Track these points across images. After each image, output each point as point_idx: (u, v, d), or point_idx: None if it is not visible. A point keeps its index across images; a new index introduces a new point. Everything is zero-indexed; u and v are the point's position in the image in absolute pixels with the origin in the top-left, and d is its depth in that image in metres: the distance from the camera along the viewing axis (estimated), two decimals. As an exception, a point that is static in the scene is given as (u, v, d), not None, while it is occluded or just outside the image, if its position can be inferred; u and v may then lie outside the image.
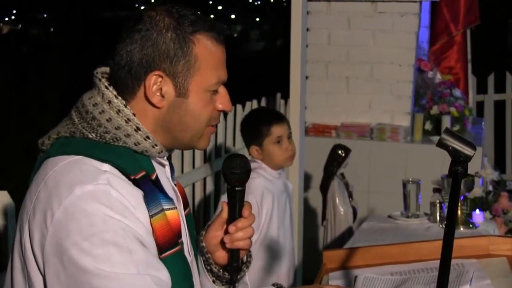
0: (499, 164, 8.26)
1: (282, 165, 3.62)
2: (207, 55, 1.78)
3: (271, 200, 3.51)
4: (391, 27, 5.82)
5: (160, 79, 1.74)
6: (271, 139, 3.49)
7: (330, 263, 2.18)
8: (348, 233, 4.38)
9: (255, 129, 3.53)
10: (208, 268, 1.98)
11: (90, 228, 1.60)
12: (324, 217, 4.51)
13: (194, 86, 1.77)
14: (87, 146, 1.72)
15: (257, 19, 40.61)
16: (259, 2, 46.03)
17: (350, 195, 4.53)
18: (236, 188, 1.90)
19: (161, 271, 1.68)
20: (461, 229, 3.61)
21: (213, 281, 1.98)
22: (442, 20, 6.62)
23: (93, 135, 1.73)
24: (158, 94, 1.75)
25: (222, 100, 1.83)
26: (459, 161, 1.56)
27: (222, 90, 1.83)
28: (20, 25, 38.33)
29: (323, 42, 5.93)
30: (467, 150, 1.58)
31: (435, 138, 5.75)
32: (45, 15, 33.98)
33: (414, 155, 5.72)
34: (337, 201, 4.41)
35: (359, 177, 5.30)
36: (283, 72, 4.92)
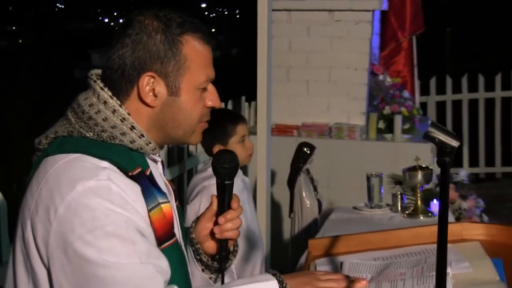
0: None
1: (243, 163, 3.54)
2: (196, 54, 1.74)
3: (250, 200, 3.48)
4: (346, 34, 5.83)
5: (152, 79, 1.70)
6: (236, 138, 3.41)
7: (315, 250, 2.14)
8: (314, 224, 4.37)
9: (221, 128, 3.43)
10: (198, 257, 1.95)
11: (93, 221, 1.55)
12: (291, 210, 4.47)
13: (185, 85, 1.73)
14: (85, 145, 1.67)
15: (213, 30, 40.69)
16: (214, 15, 46.17)
17: (315, 189, 4.51)
18: (226, 182, 1.89)
19: (162, 260, 1.64)
20: (421, 217, 3.61)
21: (202, 270, 1.96)
22: (390, 28, 6.65)
23: (91, 134, 1.68)
24: (151, 94, 1.71)
25: (211, 97, 1.80)
26: (445, 152, 1.52)
27: (211, 88, 1.80)
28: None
29: (284, 48, 5.90)
30: (453, 142, 1.54)
31: (388, 136, 5.81)
32: (13, 28, 33.55)
33: (369, 151, 5.72)
34: (304, 194, 4.39)
35: (319, 172, 5.27)
36: (244, 77, 4.90)
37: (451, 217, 3.84)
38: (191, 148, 5.14)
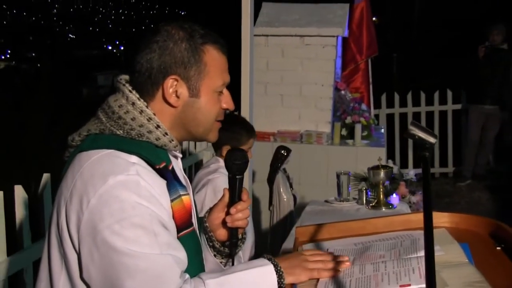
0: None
1: None
2: (214, 61, 1.67)
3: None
4: (315, 56, 5.77)
5: (176, 82, 1.63)
6: (245, 148, 3.28)
7: (301, 237, 2.03)
8: (290, 216, 4.28)
9: (237, 135, 3.34)
10: (211, 244, 1.87)
11: (121, 212, 1.46)
12: (270, 203, 4.36)
13: (204, 88, 1.66)
14: (116, 141, 1.58)
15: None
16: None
17: (291, 186, 4.42)
18: (237, 176, 1.81)
19: (180, 251, 1.54)
20: (383, 209, 3.53)
21: (214, 255, 1.87)
22: (350, 52, 6.62)
23: (121, 131, 1.59)
24: (174, 95, 1.63)
25: (226, 99, 1.73)
26: (425, 148, 1.44)
27: (226, 92, 1.73)
28: (13, 62, 37.78)
29: (262, 67, 5.81)
30: (431, 139, 1.46)
31: (350, 141, 5.74)
32: (33, 54, 33.56)
33: (334, 154, 5.65)
34: (281, 190, 4.29)
35: (292, 172, 5.21)
36: (230, 91, 4.79)
37: (408, 209, 3.74)
38: (191, 148, 5.05)
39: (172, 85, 1.62)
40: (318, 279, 1.64)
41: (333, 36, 5.71)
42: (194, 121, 1.67)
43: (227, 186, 3.24)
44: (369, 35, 6.57)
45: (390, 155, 8.66)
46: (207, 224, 1.86)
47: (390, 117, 8.90)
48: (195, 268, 1.63)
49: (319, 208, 3.65)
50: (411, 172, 5.07)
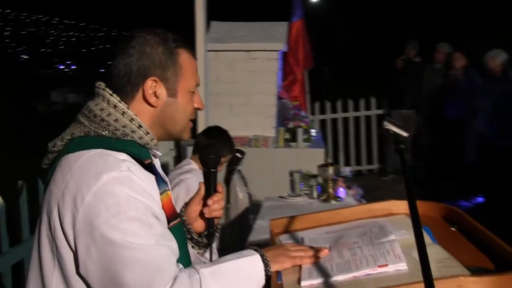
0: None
1: None
2: (188, 64, 1.60)
3: None
4: (260, 68, 5.75)
5: (155, 83, 1.55)
6: (223, 161, 3.34)
7: (276, 229, 1.98)
8: (246, 212, 4.26)
9: (223, 145, 3.40)
10: (189, 236, 1.77)
11: (117, 207, 1.37)
12: (228, 201, 4.31)
13: (181, 88, 1.59)
14: (103, 141, 1.48)
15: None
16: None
17: (246, 185, 4.38)
18: (211, 170, 1.75)
19: (173, 242, 1.47)
20: (333, 202, 3.54)
21: (192, 246, 1.78)
22: (289, 65, 6.64)
23: (106, 132, 1.50)
24: (154, 95, 1.55)
25: (197, 100, 1.66)
26: (400, 141, 1.42)
27: (197, 93, 1.66)
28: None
29: (214, 80, 5.73)
30: (403, 133, 1.45)
31: (293, 144, 5.74)
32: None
33: (279, 156, 5.63)
34: (238, 189, 4.27)
35: (243, 172, 5.20)
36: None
37: (353, 201, 3.76)
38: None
39: (152, 86, 1.55)
40: (300, 266, 1.60)
41: (276, 51, 5.71)
42: (172, 119, 1.60)
43: (198, 186, 3.19)
44: (305, 50, 6.62)
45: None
46: (184, 218, 1.79)
47: (322, 122, 8.99)
48: (183, 257, 1.56)
49: (276, 203, 3.64)
50: (346, 169, 5.12)
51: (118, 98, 1.55)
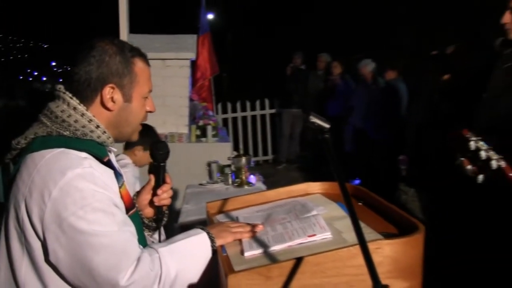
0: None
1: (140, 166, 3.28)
2: (142, 72, 1.55)
3: (139, 185, 3.18)
4: (174, 74, 5.63)
5: (112, 90, 1.50)
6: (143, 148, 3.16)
7: (211, 210, 1.97)
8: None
9: (150, 138, 3.18)
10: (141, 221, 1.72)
11: (82, 200, 1.33)
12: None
13: (135, 94, 1.54)
14: (64, 141, 1.42)
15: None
16: (60, 70, 43.06)
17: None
18: (161, 164, 1.73)
19: (132, 227, 1.44)
20: (246, 187, 3.56)
21: (143, 230, 1.73)
22: (199, 71, 6.59)
23: (67, 132, 1.44)
24: (111, 100, 1.50)
25: (150, 104, 1.61)
26: (324, 131, 1.42)
27: (149, 97, 1.61)
28: None
29: (133, 85, 5.58)
30: (326, 124, 1.43)
31: (203, 139, 5.71)
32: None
33: (192, 150, 5.56)
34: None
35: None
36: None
37: (263, 185, 3.80)
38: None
39: (109, 92, 1.50)
40: (241, 240, 1.61)
41: (187, 59, 5.64)
42: (126, 122, 1.55)
43: (133, 180, 3.08)
44: (211, 59, 6.61)
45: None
46: (136, 205, 1.72)
47: (225, 120, 9.03)
48: (141, 239, 1.53)
49: (197, 190, 3.61)
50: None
51: (78, 101, 1.49)
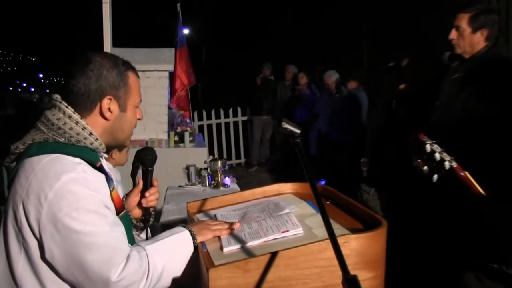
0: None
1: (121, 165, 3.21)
2: (135, 84, 1.57)
3: (121, 188, 3.13)
4: (153, 85, 5.60)
5: (109, 101, 1.51)
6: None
7: (191, 209, 1.97)
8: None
9: None
10: None
11: (76, 202, 1.33)
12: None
13: (129, 104, 1.55)
14: (60, 147, 1.42)
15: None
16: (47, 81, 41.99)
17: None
18: (149, 168, 1.74)
19: (122, 227, 1.44)
20: (221, 188, 3.55)
21: (132, 230, 1.71)
22: (177, 82, 6.53)
23: (63, 139, 1.44)
24: (108, 111, 1.51)
25: (139, 112, 1.62)
26: (295, 136, 1.44)
27: (139, 106, 1.63)
28: None
29: (115, 94, 5.51)
30: (297, 129, 1.45)
31: (181, 144, 5.66)
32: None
33: (171, 154, 5.50)
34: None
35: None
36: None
37: (237, 187, 3.80)
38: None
39: (107, 103, 1.51)
40: (219, 237, 1.62)
41: (166, 71, 5.62)
42: (120, 129, 1.56)
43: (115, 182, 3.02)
44: (188, 70, 6.56)
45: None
46: (125, 207, 1.70)
47: (200, 127, 8.99)
48: (130, 238, 1.52)
49: (177, 191, 3.58)
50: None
51: (72, 110, 1.49)
